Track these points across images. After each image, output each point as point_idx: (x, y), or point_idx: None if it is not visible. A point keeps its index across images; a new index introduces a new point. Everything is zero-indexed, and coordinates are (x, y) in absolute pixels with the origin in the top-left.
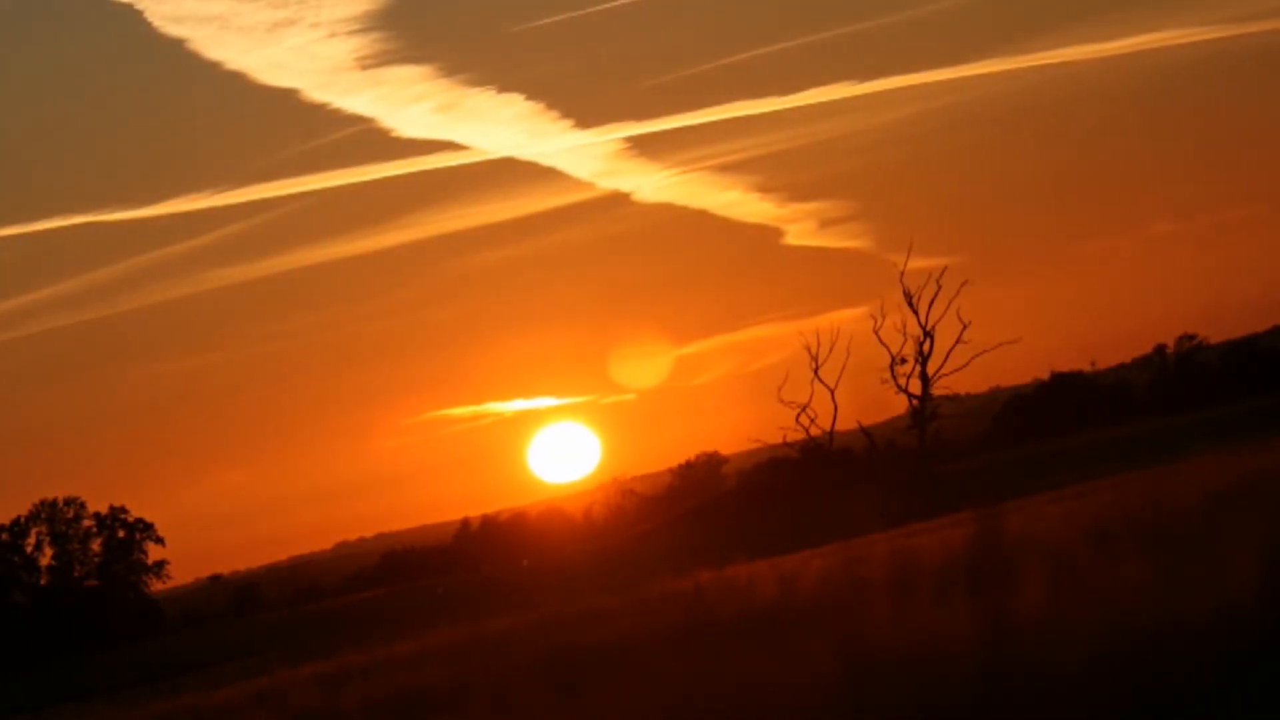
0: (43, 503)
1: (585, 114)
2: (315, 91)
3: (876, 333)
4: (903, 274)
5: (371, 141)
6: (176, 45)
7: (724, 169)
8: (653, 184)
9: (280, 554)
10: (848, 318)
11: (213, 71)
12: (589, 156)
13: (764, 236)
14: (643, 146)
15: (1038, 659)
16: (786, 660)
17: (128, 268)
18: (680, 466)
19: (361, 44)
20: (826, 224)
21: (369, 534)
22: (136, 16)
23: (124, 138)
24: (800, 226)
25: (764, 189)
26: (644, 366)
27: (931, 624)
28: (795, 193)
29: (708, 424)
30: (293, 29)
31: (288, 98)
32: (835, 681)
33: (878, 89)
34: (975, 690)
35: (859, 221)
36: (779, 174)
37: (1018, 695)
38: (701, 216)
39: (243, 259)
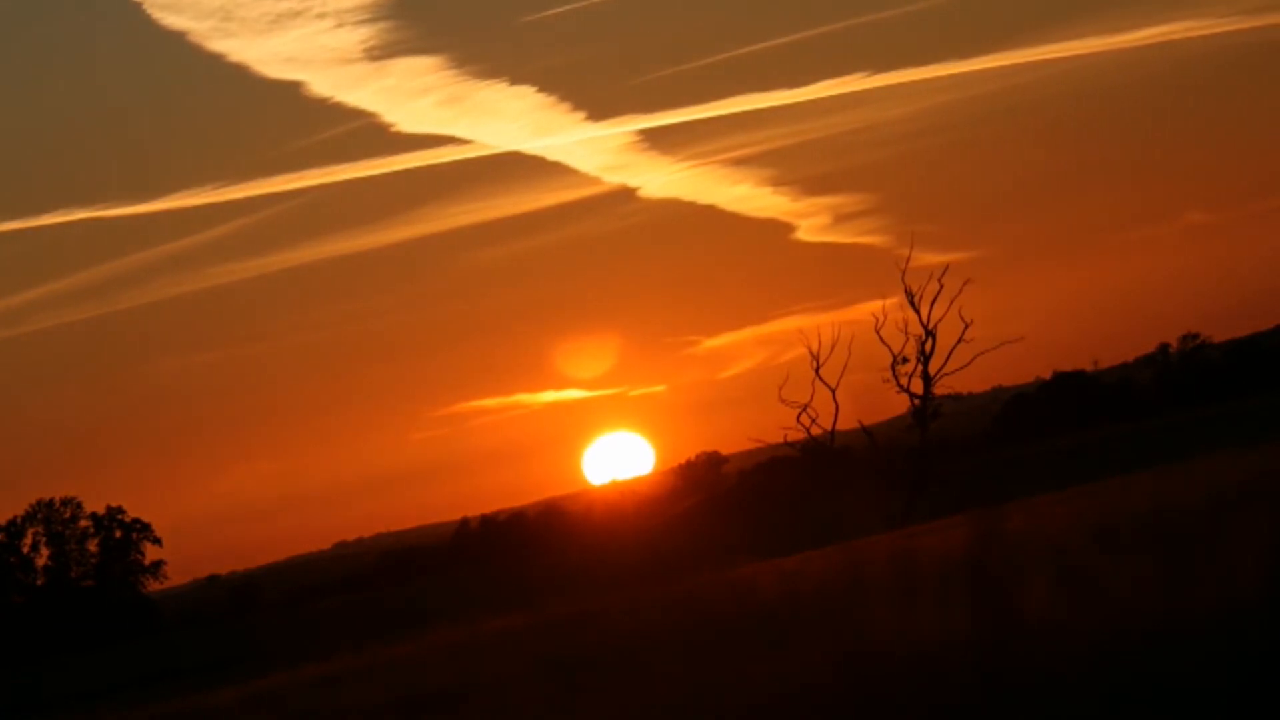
0: (39, 503)
1: (597, 106)
2: (321, 84)
3: (878, 331)
4: (904, 272)
5: (377, 135)
6: (178, 38)
7: (736, 163)
8: (660, 179)
9: (280, 554)
10: (876, 310)
11: (215, 64)
12: (597, 150)
13: (775, 231)
14: (654, 139)
15: (1041, 659)
16: (787, 661)
17: (128, 264)
18: (681, 466)
19: (369, 34)
20: (841, 219)
21: (368, 534)
22: (136, 9)
23: (125, 132)
24: (813, 221)
25: (777, 183)
26: (662, 361)
27: (934, 625)
28: (809, 187)
29: (732, 417)
30: (298, 20)
31: (293, 91)
32: (837, 683)
33: (892, 81)
34: (977, 691)
35: (874, 216)
36: (792, 168)
37: (1020, 695)
38: (709, 212)
39: (246, 255)
